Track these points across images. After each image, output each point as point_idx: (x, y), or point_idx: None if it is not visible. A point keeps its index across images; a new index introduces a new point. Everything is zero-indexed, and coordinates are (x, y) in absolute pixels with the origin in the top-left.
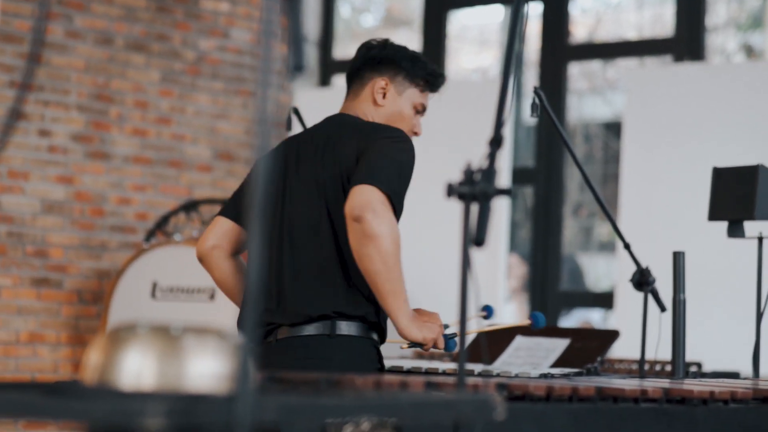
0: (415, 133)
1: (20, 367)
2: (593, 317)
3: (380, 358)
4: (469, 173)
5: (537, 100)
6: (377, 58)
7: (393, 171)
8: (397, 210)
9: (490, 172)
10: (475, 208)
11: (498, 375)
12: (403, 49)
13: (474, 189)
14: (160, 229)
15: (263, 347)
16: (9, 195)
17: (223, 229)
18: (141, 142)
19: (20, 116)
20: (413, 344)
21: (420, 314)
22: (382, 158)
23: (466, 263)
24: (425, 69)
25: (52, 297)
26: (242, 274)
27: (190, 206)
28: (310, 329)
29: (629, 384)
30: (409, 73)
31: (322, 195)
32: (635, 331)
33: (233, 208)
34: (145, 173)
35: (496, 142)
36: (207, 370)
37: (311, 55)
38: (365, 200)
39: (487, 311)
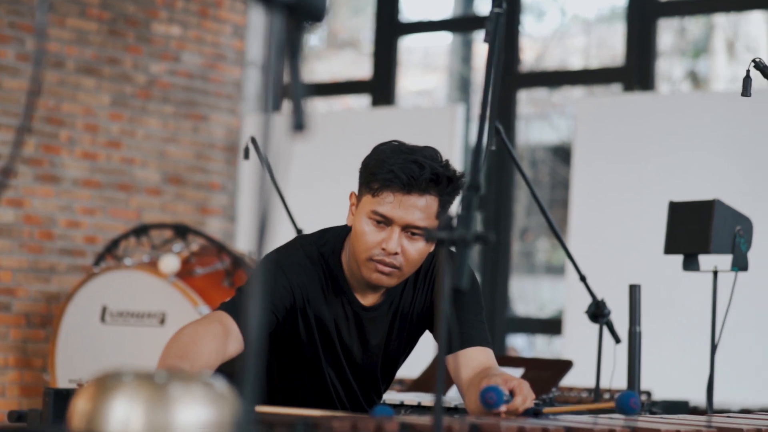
0: (385, 250)
1: None
2: (517, 343)
3: None
4: (447, 219)
5: (495, 132)
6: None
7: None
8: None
9: (468, 218)
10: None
11: (456, 407)
12: (374, 153)
13: (452, 235)
14: (110, 253)
15: None
16: None
17: None
18: (91, 165)
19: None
20: None
21: None
22: None
23: (446, 308)
24: (379, 168)
25: (0, 320)
26: None
27: (141, 230)
28: None
29: (598, 423)
30: (364, 179)
31: None
32: (584, 359)
33: None
34: (94, 197)
35: (473, 188)
36: (194, 418)
37: (259, 79)
38: None
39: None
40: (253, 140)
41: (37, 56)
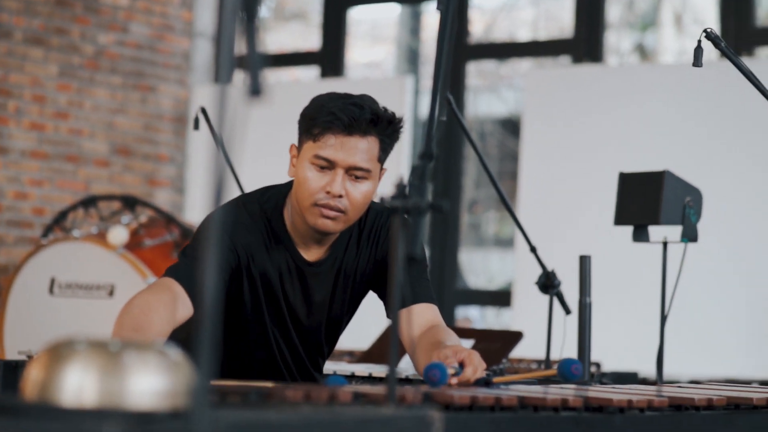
0: (329, 193)
1: None
2: (472, 314)
3: None
4: (401, 187)
5: (445, 103)
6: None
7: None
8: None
9: (422, 186)
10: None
11: (408, 378)
12: (312, 102)
13: (406, 203)
14: (58, 225)
15: None
16: None
17: None
18: (38, 136)
19: None
20: None
21: None
22: None
23: (399, 277)
24: (318, 112)
25: None
26: None
27: (89, 202)
28: None
29: (550, 393)
30: (304, 127)
31: None
32: (534, 330)
33: None
34: (42, 168)
35: (427, 156)
36: (149, 386)
37: (207, 50)
38: None
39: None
40: (203, 111)
41: None
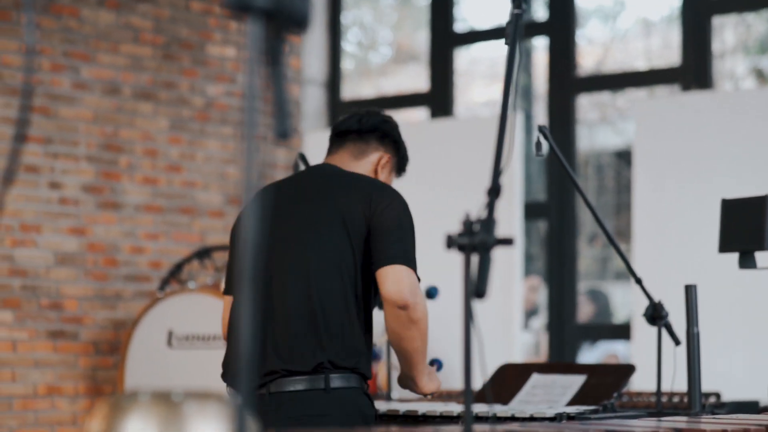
0: None
1: (39, 420)
2: (618, 349)
3: (372, 404)
4: (468, 224)
5: (541, 139)
6: (387, 133)
7: (412, 243)
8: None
9: (489, 222)
10: (475, 259)
11: (513, 416)
12: (399, 133)
13: (474, 240)
14: (174, 277)
15: (256, 399)
16: (22, 248)
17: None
18: (152, 190)
19: (22, 167)
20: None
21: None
22: (403, 231)
23: (468, 315)
24: (406, 158)
25: (68, 349)
26: None
27: (204, 253)
28: (305, 383)
29: (642, 425)
30: (399, 160)
31: (317, 245)
32: (653, 363)
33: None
34: (156, 221)
35: (494, 192)
36: None
37: (319, 97)
38: (407, 286)
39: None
40: (302, 157)
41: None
